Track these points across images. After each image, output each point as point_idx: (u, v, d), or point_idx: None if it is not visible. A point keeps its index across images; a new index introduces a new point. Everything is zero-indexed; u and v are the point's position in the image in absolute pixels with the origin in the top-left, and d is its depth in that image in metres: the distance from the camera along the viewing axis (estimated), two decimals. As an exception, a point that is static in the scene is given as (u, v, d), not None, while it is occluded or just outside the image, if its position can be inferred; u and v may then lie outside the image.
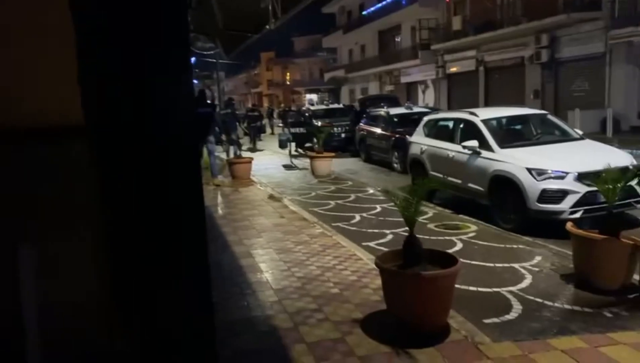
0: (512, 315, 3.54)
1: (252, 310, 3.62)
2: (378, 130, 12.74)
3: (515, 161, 6.09)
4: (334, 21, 38.84)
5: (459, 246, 5.33)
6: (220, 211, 7.42)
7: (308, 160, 11.49)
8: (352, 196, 8.46)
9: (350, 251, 5.00)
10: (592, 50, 17.08)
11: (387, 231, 5.96)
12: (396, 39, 30.46)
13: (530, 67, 19.78)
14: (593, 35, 16.97)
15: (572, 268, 4.22)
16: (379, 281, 3.60)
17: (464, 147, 6.87)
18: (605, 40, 16.46)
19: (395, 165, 11.66)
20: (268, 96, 61.46)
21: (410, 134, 10.84)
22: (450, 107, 23.78)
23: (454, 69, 24.26)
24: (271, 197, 8.36)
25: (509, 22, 19.85)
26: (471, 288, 4.04)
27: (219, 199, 8.52)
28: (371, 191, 8.99)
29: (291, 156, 13.07)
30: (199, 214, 1.45)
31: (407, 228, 3.24)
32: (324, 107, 18.07)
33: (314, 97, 43.22)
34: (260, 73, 63.87)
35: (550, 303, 3.73)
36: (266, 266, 4.66)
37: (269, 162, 13.83)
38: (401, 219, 3.32)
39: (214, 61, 20.58)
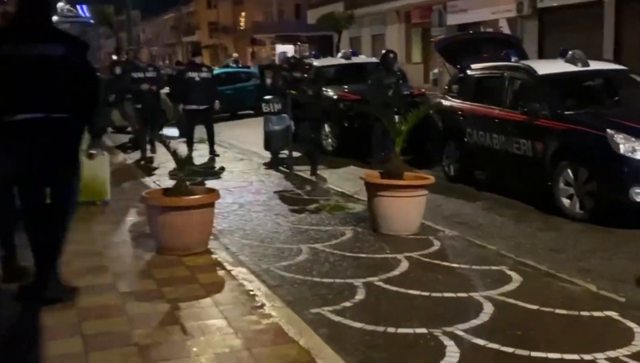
0: None
1: None
2: (503, 113, 8.75)
3: None
4: None
5: None
6: None
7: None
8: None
9: None
10: None
11: None
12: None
13: None
14: None
15: None
16: None
17: None
18: None
19: (564, 201, 7.61)
20: (210, 48, 60.76)
21: (611, 126, 7.32)
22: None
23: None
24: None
25: None
26: None
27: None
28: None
29: (291, 171, 9.58)
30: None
31: None
32: (343, 61, 14.76)
33: (289, 49, 39.16)
34: (197, 12, 63.51)
35: None
36: None
37: (239, 183, 8.78)
38: None
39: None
